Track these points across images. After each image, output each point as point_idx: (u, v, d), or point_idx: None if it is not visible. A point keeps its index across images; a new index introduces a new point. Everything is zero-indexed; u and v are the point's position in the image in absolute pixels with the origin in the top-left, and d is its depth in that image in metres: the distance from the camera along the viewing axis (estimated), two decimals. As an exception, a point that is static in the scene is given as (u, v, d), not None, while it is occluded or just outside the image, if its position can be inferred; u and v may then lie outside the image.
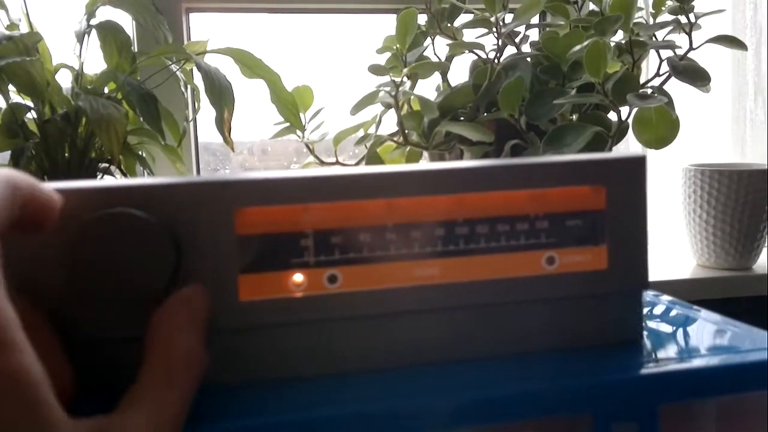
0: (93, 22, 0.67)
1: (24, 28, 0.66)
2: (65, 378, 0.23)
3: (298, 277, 0.27)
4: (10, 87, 0.64)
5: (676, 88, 0.70)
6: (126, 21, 0.72)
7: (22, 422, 0.18)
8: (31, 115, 0.65)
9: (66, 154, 0.64)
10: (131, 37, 0.70)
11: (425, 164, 0.27)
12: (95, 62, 0.70)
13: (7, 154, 0.64)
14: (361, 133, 0.77)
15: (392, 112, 0.73)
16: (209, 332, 0.25)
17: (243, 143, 1.06)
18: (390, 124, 0.76)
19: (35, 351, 0.19)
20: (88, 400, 0.24)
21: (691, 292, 0.79)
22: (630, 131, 0.69)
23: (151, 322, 0.24)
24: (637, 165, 0.28)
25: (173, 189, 0.25)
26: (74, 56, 0.68)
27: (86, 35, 0.67)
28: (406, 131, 0.72)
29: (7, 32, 0.61)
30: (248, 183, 0.26)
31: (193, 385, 0.23)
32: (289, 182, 0.26)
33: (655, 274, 0.81)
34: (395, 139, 0.73)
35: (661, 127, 0.71)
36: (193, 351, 0.24)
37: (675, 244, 0.92)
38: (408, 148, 0.74)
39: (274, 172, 0.26)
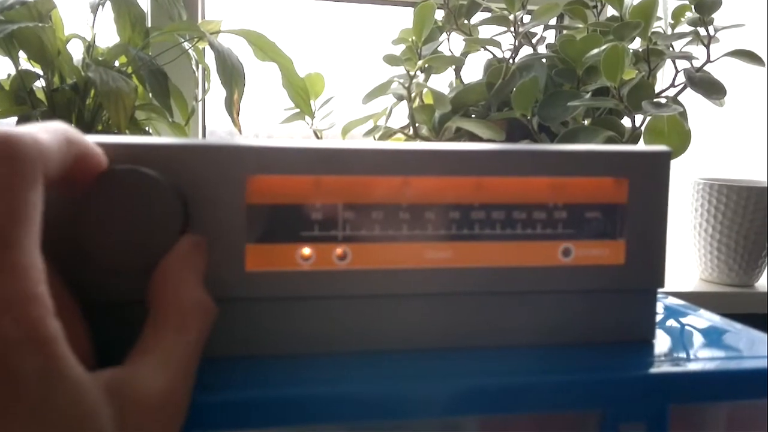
0: (108, -6, 0.66)
1: (38, -5, 0.65)
2: (83, 339, 0.23)
3: (306, 251, 0.26)
4: (21, 54, 0.63)
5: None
6: (141, -5, 0.71)
7: (38, 376, 0.18)
8: (40, 83, 0.64)
9: (72, 125, 0.63)
10: (145, 12, 0.69)
11: (444, 144, 0.26)
12: (108, 35, 0.69)
13: (13, 120, 0.63)
14: (370, 124, 0.76)
15: (403, 104, 0.72)
16: (214, 301, 0.24)
17: (248, 130, 1.05)
18: (400, 116, 0.75)
19: (55, 310, 0.19)
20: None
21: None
22: (642, 141, 0.69)
23: (154, 274, 0.23)
24: (662, 159, 0.27)
25: (186, 150, 0.25)
26: (87, 27, 0.67)
27: (100, 7, 0.67)
28: (417, 124, 0.71)
29: (20, -3, 0.60)
30: (262, 150, 0.25)
31: (204, 333, 0.23)
32: (305, 153, 0.26)
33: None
34: (405, 131, 0.72)
35: (673, 138, 0.70)
36: (201, 299, 0.23)
37: (681, 256, 0.91)
38: (417, 141, 0.73)
39: (289, 141, 0.26)
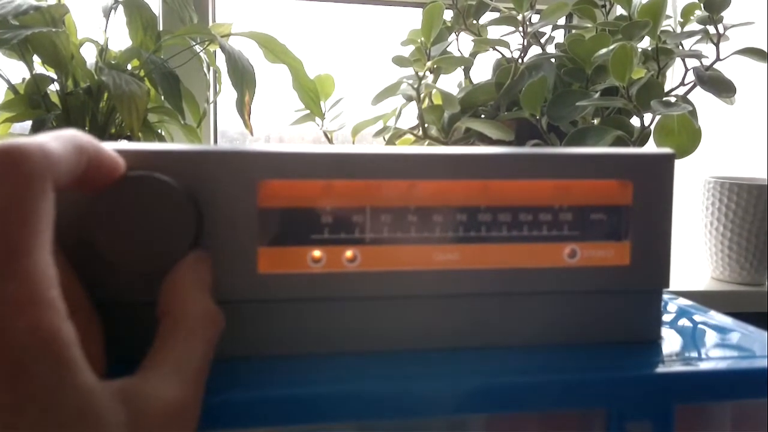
0: (120, -2, 0.67)
1: (51, 0, 0.66)
2: (96, 342, 0.23)
3: (317, 254, 0.27)
4: (35, 58, 0.64)
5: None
6: (153, -1, 0.72)
7: (50, 381, 0.18)
8: (54, 87, 0.65)
9: (86, 128, 0.64)
10: (157, 16, 0.70)
11: (451, 148, 0.27)
12: (120, 39, 0.70)
13: (28, 124, 0.64)
14: (380, 125, 0.76)
15: (412, 105, 0.73)
16: (228, 303, 0.25)
17: (259, 132, 1.06)
18: (409, 117, 0.75)
19: (69, 312, 0.19)
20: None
21: (703, 305, 0.79)
22: (651, 140, 0.69)
23: (163, 286, 0.24)
24: (666, 161, 0.28)
25: (199, 156, 0.25)
26: (99, 32, 0.68)
27: (112, 11, 0.67)
28: (426, 125, 0.71)
29: (34, 2, 0.61)
30: (273, 156, 0.26)
31: (213, 342, 0.23)
32: (314, 158, 0.26)
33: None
34: (414, 132, 0.73)
35: (683, 137, 0.70)
36: (210, 309, 0.24)
37: (691, 255, 0.91)
38: (426, 142, 0.73)
39: (299, 146, 0.26)
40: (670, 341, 0.30)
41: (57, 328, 0.19)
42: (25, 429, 0.18)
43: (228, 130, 1.03)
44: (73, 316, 0.20)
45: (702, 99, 0.69)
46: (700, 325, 0.34)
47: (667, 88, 0.71)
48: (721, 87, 0.69)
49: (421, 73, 0.70)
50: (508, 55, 0.74)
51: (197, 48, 0.72)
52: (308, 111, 0.73)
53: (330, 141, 0.77)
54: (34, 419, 0.18)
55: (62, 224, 0.24)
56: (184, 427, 0.21)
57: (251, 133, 0.69)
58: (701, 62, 0.70)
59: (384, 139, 0.75)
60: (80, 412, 0.19)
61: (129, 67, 0.68)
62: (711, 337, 0.32)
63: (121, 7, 0.68)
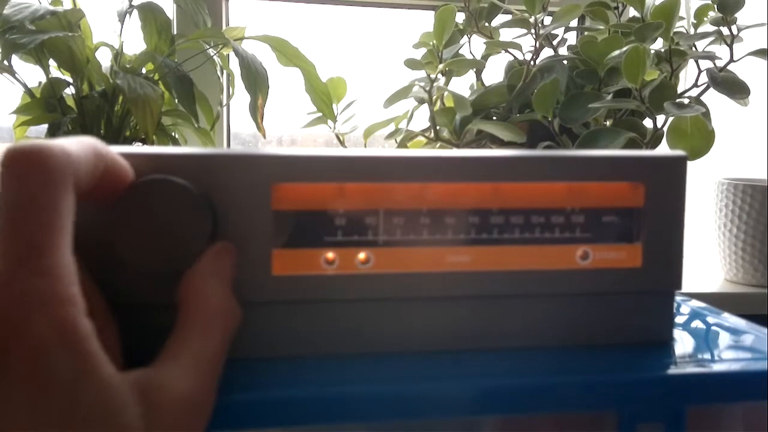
0: (135, 2, 0.68)
1: (67, 4, 0.67)
2: (113, 343, 0.24)
3: (330, 256, 0.27)
4: (51, 62, 0.65)
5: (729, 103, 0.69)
6: (167, 3, 0.73)
7: (71, 372, 0.19)
8: (70, 90, 0.66)
9: (102, 131, 0.65)
10: (171, 20, 0.71)
11: (463, 151, 0.27)
12: (135, 43, 0.70)
13: (44, 127, 0.65)
14: (391, 127, 0.77)
15: (424, 107, 0.73)
16: (242, 304, 0.25)
17: (272, 134, 1.07)
18: (421, 119, 0.76)
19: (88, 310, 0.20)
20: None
21: (716, 307, 0.78)
22: (664, 141, 0.68)
23: (184, 277, 0.24)
24: (678, 164, 0.28)
25: (213, 160, 0.26)
26: (115, 36, 0.69)
27: (127, 15, 0.68)
28: (438, 127, 0.72)
29: (50, 7, 0.62)
30: (286, 159, 0.26)
31: (229, 335, 0.24)
32: (327, 161, 0.26)
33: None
34: (426, 134, 0.73)
35: (696, 138, 0.70)
36: (227, 302, 0.24)
37: (704, 257, 0.90)
38: (438, 144, 0.74)
39: (312, 150, 0.27)
40: (683, 343, 0.30)
41: (77, 322, 0.19)
42: (47, 419, 0.18)
43: (241, 132, 1.03)
44: (90, 317, 0.20)
45: (715, 100, 0.69)
46: (712, 327, 0.34)
47: (680, 90, 0.71)
48: (735, 88, 0.69)
49: (433, 76, 0.70)
50: (520, 57, 0.74)
51: (211, 51, 0.72)
52: (320, 114, 0.74)
53: (342, 143, 0.77)
54: (55, 409, 0.18)
55: (80, 227, 0.24)
56: (198, 418, 0.22)
57: (264, 136, 0.70)
58: (714, 63, 0.70)
59: (396, 141, 0.75)
60: (100, 402, 0.19)
61: (143, 70, 0.69)
62: (723, 339, 0.32)
63: (135, 12, 0.68)
